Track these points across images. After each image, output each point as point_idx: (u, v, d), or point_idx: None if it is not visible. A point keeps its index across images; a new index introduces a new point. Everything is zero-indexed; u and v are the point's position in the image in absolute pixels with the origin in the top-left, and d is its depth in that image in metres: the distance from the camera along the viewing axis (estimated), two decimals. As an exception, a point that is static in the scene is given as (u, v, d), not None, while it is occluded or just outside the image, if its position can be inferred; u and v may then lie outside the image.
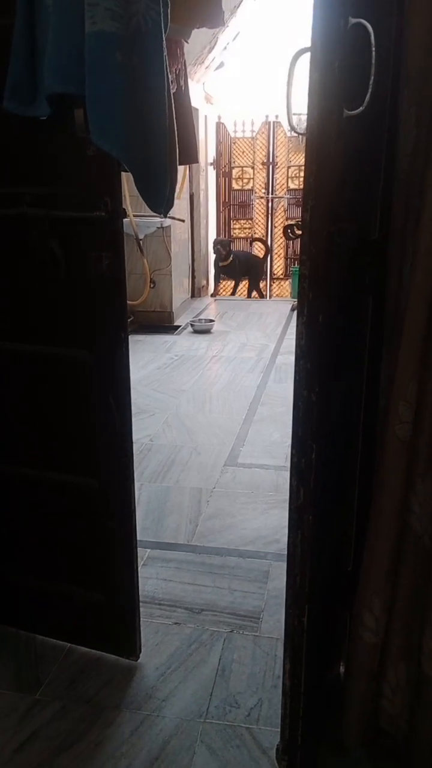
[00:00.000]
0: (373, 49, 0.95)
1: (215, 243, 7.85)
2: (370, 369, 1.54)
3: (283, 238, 8.24)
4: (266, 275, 8.56)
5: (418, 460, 1.35)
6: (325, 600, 1.53)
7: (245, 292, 8.28)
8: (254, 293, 8.30)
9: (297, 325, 1.03)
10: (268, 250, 8.43)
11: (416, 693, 1.41)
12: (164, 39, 1.45)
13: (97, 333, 1.67)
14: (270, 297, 8.34)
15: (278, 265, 8.38)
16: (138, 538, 2.12)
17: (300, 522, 1.14)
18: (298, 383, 1.07)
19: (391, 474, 1.32)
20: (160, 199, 1.49)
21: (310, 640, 1.23)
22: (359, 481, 1.65)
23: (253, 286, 8.18)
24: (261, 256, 8.48)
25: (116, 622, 1.92)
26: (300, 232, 0.99)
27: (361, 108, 0.98)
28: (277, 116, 8.06)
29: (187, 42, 2.52)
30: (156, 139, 1.45)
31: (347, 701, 1.49)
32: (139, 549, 2.29)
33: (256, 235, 8.40)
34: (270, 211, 8.31)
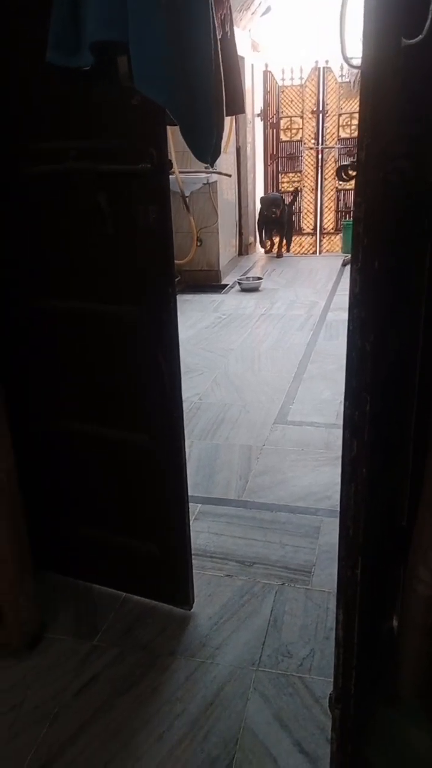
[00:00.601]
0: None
1: (266, 204, 7.18)
2: (427, 318, 1.49)
3: (334, 188, 7.92)
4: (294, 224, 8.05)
5: None
6: (378, 553, 1.52)
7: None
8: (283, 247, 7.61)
9: (351, 272, 1.00)
10: (295, 195, 7.84)
11: (472, 647, 1.40)
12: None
13: (145, 288, 1.66)
14: (320, 252, 8.15)
15: (329, 219, 8.15)
16: (189, 493, 2.16)
17: (354, 475, 1.12)
18: (351, 333, 1.04)
19: (448, 427, 1.29)
20: (206, 148, 1.46)
21: (363, 591, 1.23)
22: (415, 435, 1.62)
23: (288, 238, 7.59)
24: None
25: (169, 573, 1.97)
26: (354, 173, 0.95)
27: (420, 36, 0.92)
28: (327, 62, 7.72)
29: (232, -16, 2.42)
30: (202, 86, 1.42)
31: (401, 654, 1.49)
32: (190, 504, 2.33)
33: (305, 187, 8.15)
34: (320, 162, 8.05)
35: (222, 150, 5.86)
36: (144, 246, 1.63)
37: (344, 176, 1.06)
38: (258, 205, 7.53)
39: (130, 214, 1.62)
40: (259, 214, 7.21)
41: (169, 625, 1.96)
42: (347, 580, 1.20)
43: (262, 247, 7.49)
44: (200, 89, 1.40)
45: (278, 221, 7.17)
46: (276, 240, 7.52)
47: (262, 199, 7.34)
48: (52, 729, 1.64)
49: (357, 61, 0.95)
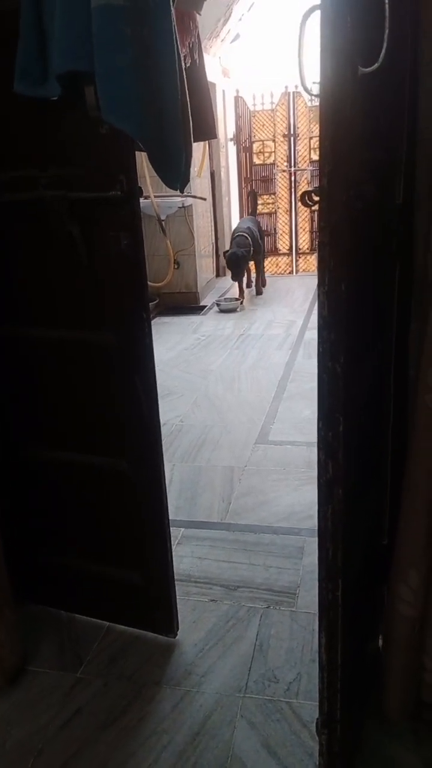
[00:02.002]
0: (386, 2, 0.91)
1: (235, 243, 6.17)
2: (399, 337, 1.51)
3: (310, 206, 7.97)
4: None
5: (450, 429, 1.32)
6: (361, 574, 1.52)
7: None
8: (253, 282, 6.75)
9: (318, 295, 1.01)
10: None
11: (456, 664, 1.40)
12: (173, 10, 1.41)
13: (119, 314, 1.66)
14: (296, 272, 8.23)
15: (304, 239, 8.24)
16: (172, 517, 2.14)
17: (330, 496, 1.12)
18: (322, 355, 1.05)
19: (423, 444, 1.30)
20: (175, 174, 1.46)
21: (346, 613, 1.22)
22: (393, 453, 1.63)
23: (260, 270, 6.71)
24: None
25: (153, 601, 1.94)
26: (318, 199, 0.96)
27: (376, 65, 0.94)
28: (296, 86, 7.85)
29: (199, 14, 2.46)
30: (169, 114, 1.43)
31: (387, 675, 1.48)
32: (173, 528, 2.31)
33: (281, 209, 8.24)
34: (293, 184, 8.16)
35: (196, 174, 5.93)
36: (117, 272, 1.63)
37: (309, 201, 1.07)
38: (234, 227, 7.60)
39: (103, 240, 1.62)
40: (228, 253, 6.27)
41: (154, 654, 1.92)
42: (328, 603, 1.19)
43: (234, 279, 6.45)
44: (167, 118, 1.41)
45: (246, 259, 6.26)
46: (247, 280, 6.79)
47: (232, 238, 6.47)
48: (36, 765, 1.59)
49: (317, 90, 0.97)
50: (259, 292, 6.73)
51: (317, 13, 0.93)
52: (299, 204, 7.96)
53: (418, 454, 1.30)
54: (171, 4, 1.39)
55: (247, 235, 6.28)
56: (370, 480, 1.54)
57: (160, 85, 1.39)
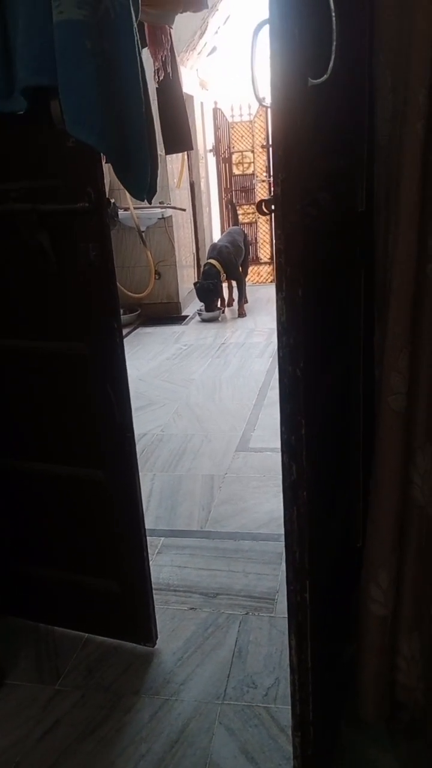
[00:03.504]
0: (333, 15, 0.94)
1: (204, 275, 5.92)
2: (366, 342, 1.53)
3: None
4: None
5: (416, 431, 1.35)
6: (334, 577, 1.53)
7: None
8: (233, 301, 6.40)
9: (276, 301, 1.03)
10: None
11: (430, 664, 1.41)
12: (135, 24, 1.44)
13: (90, 324, 1.67)
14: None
15: (284, 248, 8.35)
16: (152, 526, 2.15)
17: (294, 498, 1.14)
18: (282, 359, 1.06)
19: (388, 446, 1.32)
20: (140, 186, 1.48)
21: (315, 615, 1.23)
22: (363, 456, 1.65)
23: (241, 290, 6.30)
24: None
25: (131, 610, 1.94)
26: (273, 207, 0.98)
27: (325, 76, 0.97)
28: (264, 98, 7.95)
29: (171, 27, 2.49)
30: (133, 126, 1.45)
31: (361, 676, 1.49)
32: (153, 537, 2.31)
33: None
34: (270, 195, 8.26)
35: (176, 185, 5.94)
36: (87, 282, 1.64)
37: (265, 210, 1.09)
38: (215, 238, 7.64)
39: (72, 252, 1.63)
40: (197, 285, 6.05)
41: (133, 664, 1.92)
42: (297, 604, 1.20)
43: (209, 310, 6.05)
44: (131, 129, 1.43)
45: (215, 291, 5.98)
46: (228, 298, 6.52)
47: (203, 271, 6.09)
48: (13, 780, 1.58)
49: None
50: (241, 314, 6.22)
51: (267, 27, 0.95)
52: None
53: (382, 454, 1.32)
54: (134, 18, 1.42)
55: (215, 263, 5.92)
56: (340, 483, 1.56)
57: (123, 98, 1.41)
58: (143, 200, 1.52)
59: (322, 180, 1.12)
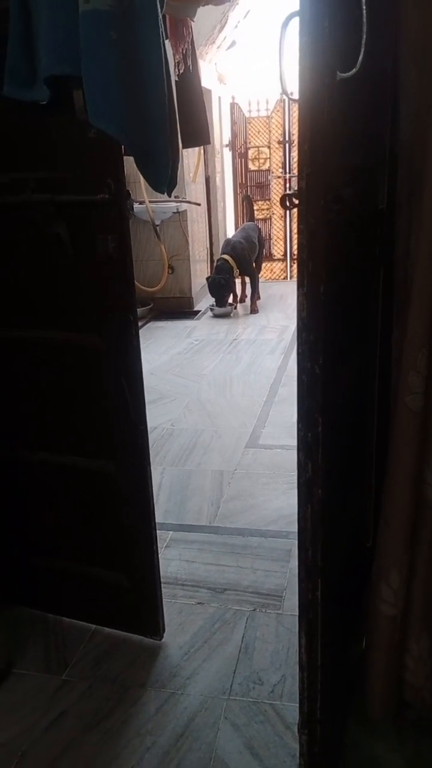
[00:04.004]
0: (364, 7, 0.93)
1: (217, 269, 5.95)
2: (384, 340, 1.52)
3: (289, 208, 7.90)
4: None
5: (431, 431, 1.34)
6: (344, 575, 1.53)
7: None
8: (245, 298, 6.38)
9: (297, 297, 1.02)
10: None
11: (438, 665, 1.41)
12: (160, 16, 1.43)
13: (106, 316, 1.67)
14: (291, 277, 8.27)
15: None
16: (161, 520, 2.15)
17: (309, 496, 1.13)
18: (301, 356, 1.06)
19: (403, 446, 1.31)
20: (161, 178, 1.48)
21: (326, 613, 1.23)
22: (377, 455, 1.64)
23: (255, 286, 6.29)
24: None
25: (139, 603, 1.94)
26: (297, 202, 0.98)
27: (354, 70, 0.96)
28: (292, 93, 7.90)
29: (192, 20, 2.48)
30: (155, 118, 1.44)
31: (369, 675, 1.49)
32: (161, 531, 2.32)
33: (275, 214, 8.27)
34: (288, 190, 8.22)
35: (191, 180, 5.93)
36: (105, 274, 1.64)
37: (288, 204, 1.08)
38: (229, 233, 7.63)
39: (90, 243, 1.63)
40: (210, 280, 6.05)
41: (140, 657, 1.93)
42: (308, 603, 1.20)
43: (219, 305, 6.07)
44: (154, 122, 1.43)
45: (227, 287, 5.98)
46: (240, 294, 6.49)
47: (216, 266, 6.10)
48: (20, 767, 1.59)
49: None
50: (253, 311, 6.19)
51: (296, 20, 0.95)
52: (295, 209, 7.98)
53: (397, 454, 1.31)
54: (159, 10, 1.41)
55: (228, 259, 5.92)
56: (352, 481, 1.55)
57: (146, 90, 1.41)
58: (163, 193, 1.51)
59: (347, 176, 1.11)
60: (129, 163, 1.56)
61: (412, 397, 1.27)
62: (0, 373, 1.86)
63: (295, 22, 0.96)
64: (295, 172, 7.09)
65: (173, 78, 1.60)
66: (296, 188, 1.00)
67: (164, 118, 1.45)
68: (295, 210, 1.14)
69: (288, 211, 7.89)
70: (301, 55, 0.91)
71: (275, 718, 1.68)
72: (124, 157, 1.58)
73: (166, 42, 1.48)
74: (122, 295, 1.64)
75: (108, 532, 1.91)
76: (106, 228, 1.59)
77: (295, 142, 7.24)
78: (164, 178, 1.48)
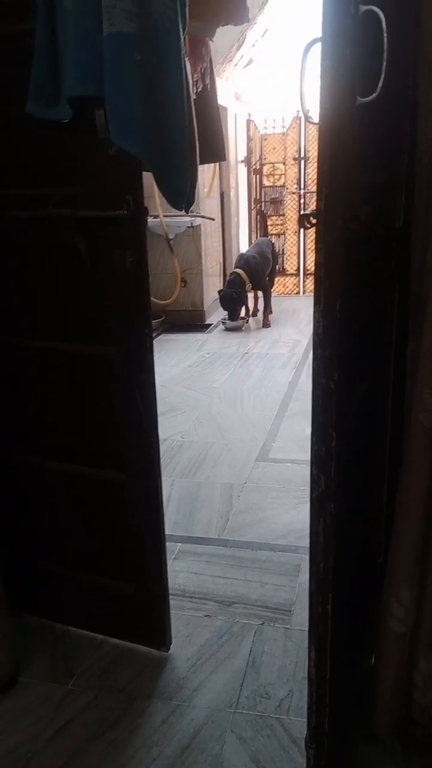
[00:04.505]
0: (385, 35, 0.96)
1: (229, 283, 6.05)
2: (398, 356, 1.54)
3: (307, 227, 7.84)
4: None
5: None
6: (354, 590, 1.53)
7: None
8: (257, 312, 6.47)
9: (314, 313, 1.04)
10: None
11: (446, 684, 1.41)
12: (182, 38, 1.47)
13: (122, 329, 1.70)
14: (304, 292, 8.30)
15: (311, 260, 8.33)
16: (169, 532, 2.16)
17: (321, 510, 1.15)
18: (316, 371, 1.08)
19: (417, 462, 1.32)
20: (180, 195, 1.51)
21: (336, 628, 1.24)
22: (389, 471, 1.65)
23: (267, 301, 6.36)
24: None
25: (147, 615, 1.95)
26: (315, 221, 1.00)
27: (374, 95, 0.99)
28: (308, 111, 7.99)
29: (211, 40, 2.54)
30: (175, 138, 1.48)
31: (377, 691, 1.49)
32: (170, 543, 2.33)
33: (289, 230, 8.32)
34: (302, 206, 8.27)
35: (206, 194, 6.00)
36: (121, 288, 1.67)
37: (306, 224, 1.11)
38: (243, 248, 7.68)
39: (108, 258, 1.66)
40: (221, 293, 6.14)
41: (146, 668, 1.93)
42: (318, 617, 1.21)
43: (231, 319, 6.15)
44: (174, 141, 1.46)
45: (238, 301, 6.04)
46: (253, 308, 6.56)
47: (228, 280, 6.17)
48: (25, 776, 1.60)
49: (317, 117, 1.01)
50: (265, 324, 6.23)
51: (318, 45, 0.98)
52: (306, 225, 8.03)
53: (410, 471, 1.32)
54: (181, 32, 1.45)
55: (241, 273, 5.97)
56: (364, 497, 1.56)
57: (167, 110, 1.44)
58: (181, 210, 1.54)
59: (365, 194, 1.14)
60: (144, 177, 1.60)
61: (425, 414, 1.28)
62: (16, 381, 1.90)
63: (317, 48, 0.99)
64: (310, 188, 7.14)
65: (192, 97, 1.64)
66: (314, 208, 1.02)
67: (184, 138, 1.49)
68: (313, 229, 1.17)
69: (304, 229, 7.95)
70: (322, 80, 0.94)
71: (282, 732, 1.68)
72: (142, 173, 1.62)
73: (186, 62, 1.52)
74: (138, 308, 1.67)
75: (117, 542, 1.92)
76: (124, 243, 1.62)
77: (311, 159, 7.30)
78: (183, 196, 1.51)
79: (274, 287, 7.11)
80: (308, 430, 3.69)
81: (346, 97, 0.97)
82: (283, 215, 8.46)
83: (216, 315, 6.55)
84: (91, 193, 1.64)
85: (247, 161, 8.20)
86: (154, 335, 5.94)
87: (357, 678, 1.62)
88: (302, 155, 8.13)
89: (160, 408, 1.80)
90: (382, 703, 1.46)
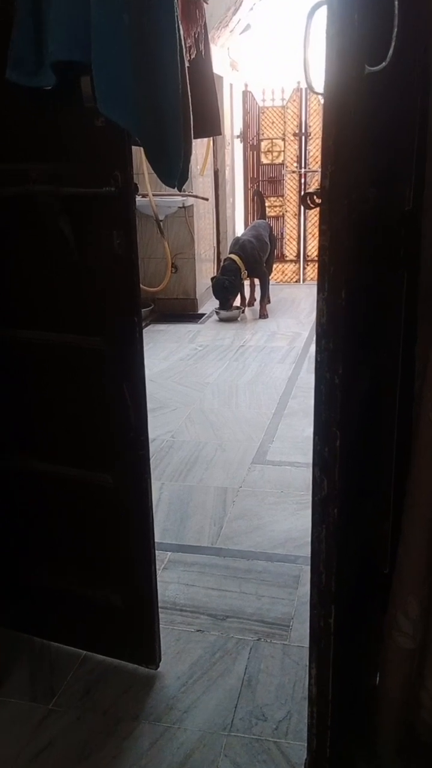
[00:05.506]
0: (396, -1, 0.96)
1: (223, 269, 6.08)
2: (406, 349, 1.55)
3: (310, 208, 7.90)
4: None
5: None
6: (358, 602, 1.54)
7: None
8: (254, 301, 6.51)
9: (317, 302, 1.05)
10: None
11: (457, 704, 1.42)
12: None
13: (109, 318, 1.70)
14: (304, 280, 8.31)
15: (313, 245, 8.34)
16: (158, 540, 2.16)
17: (324, 515, 1.15)
18: (319, 365, 1.08)
19: (426, 464, 1.33)
20: (172, 172, 1.51)
21: (338, 643, 1.25)
22: (395, 472, 1.66)
23: (264, 289, 6.36)
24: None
25: (134, 629, 1.96)
26: (319, 201, 1.00)
27: (383, 63, 0.99)
28: (312, 81, 7.97)
29: (206, 2, 2.53)
30: (168, 107, 1.48)
31: (382, 711, 1.50)
32: (159, 552, 2.33)
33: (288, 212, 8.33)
34: (303, 187, 8.27)
35: (199, 172, 5.99)
36: (108, 272, 1.67)
37: (310, 204, 1.11)
38: (238, 231, 7.68)
39: (94, 239, 1.66)
40: (214, 280, 6.17)
41: (133, 686, 1.94)
42: (320, 631, 1.22)
43: (223, 308, 6.16)
44: (167, 112, 1.46)
45: (232, 289, 6.04)
46: (249, 297, 6.60)
47: (222, 266, 6.22)
48: (0, 804, 1.60)
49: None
50: (262, 315, 6.23)
51: (324, 9, 0.98)
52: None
53: (419, 473, 1.33)
54: (174, -8, 1.45)
55: (236, 259, 5.98)
56: (368, 501, 1.57)
57: (159, 77, 1.44)
58: (174, 187, 1.54)
59: (372, 174, 1.14)
60: (133, 152, 1.60)
61: (436, 411, 1.29)
62: (-8, 375, 1.89)
63: (322, 12, 0.99)
64: (312, 167, 7.13)
65: (186, 64, 1.64)
66: (318, 186, 1.03)
67: (177, 107, 1.49)
68: (315, 210, 1.17)
69: (303, 210, 7.94)
70: (328, 47, 0.94)
71: (279, 757, 1.69)
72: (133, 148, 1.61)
73: (179, 25, 1.52)
74: (127, 295, 1.67)
75: (102, 549, 1.92)
76: (111, 224, 1.62)
77: (312, 135, 7.29)
78: (176, 172, 1.51)
79: (272, 274, 7.12)
80: (308, 430, 3.71)
81: (354, 66, 0.97)
82: (282, 196, 8.46)
83: (209, 304, 6.55)
84: (75, 169, 1.63)
85: (244, 136, 8.18)
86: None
87: (359, 696, 1.63)
88: (303, 131, 8.13)
89: (149, 405, 1.80)
90: (386, 723, 1.47)
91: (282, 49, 8.43)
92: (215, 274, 6.36)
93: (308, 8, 1.09)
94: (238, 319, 6.19)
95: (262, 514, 2.83)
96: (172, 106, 1.47)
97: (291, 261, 8.46)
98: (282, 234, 8.43)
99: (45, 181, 1.66)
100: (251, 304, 6.60)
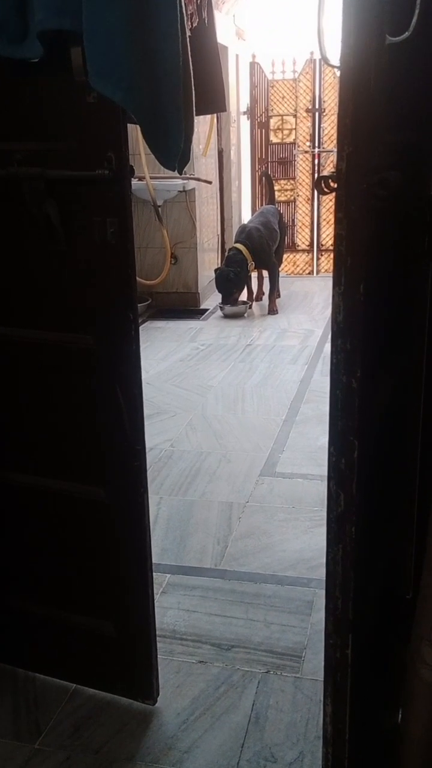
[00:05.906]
0: (421, -40, 0.96)
1: (227, 260, 6.12)
2: (430, 349, 1.55)
3: (334, 198, 7.93)
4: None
5: None
6: (378, 631, 1.54)
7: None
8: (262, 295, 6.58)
9: (333, 297, 1.05)
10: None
11: None
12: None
13: (101, 314, 1.70)
14: (317, 272, 8.32)
15: (327, 234, 8.35)
16: (157, 561, 2.16)
17: (340, 534, 1.15)
18: (335, 367, 1.08)
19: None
20: (172, 152, 1.51)
21: (356, 677, 1.24)
22: (420, 486, 1.66)
23: (274, 282, 6.42)
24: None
25: (129, 659, 1.96)
26: (335, 185, 1.00)
27: (406, 33, 0.99)
28: (327, 52, 7.99)
29: (209, -35, 2.54)
30: (167, 81, 1.48)
31: (405, 751, 1.50)
32: (157, 574, 2.33)
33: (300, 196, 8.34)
34: (317, 168, 8.29)
35: (201, 153, 6.03)
36: (101, 263, 1.68)
37: (325, 189, 1.11)
38: (245, 218, 7.69)
39: (85, 226, 1.67)
40: (217, 272, 6.19)
41: (128, 724, 1.94)
42: (336, 662, 1.22)
43: (226, 303, 6.20)
44: (165, 86, 1.46)
45: (236, 282, 6.07)
46: (257, 291, 6.69)
47: (227, 256, 6.27)
48: None
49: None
50: (271, 311, 6.27)
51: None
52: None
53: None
54: None
55: (242, 248, 6.02)
56: (389, 520, 1.57)
57: (157, 48, 1.45)
58: (173, 169, 1.55)
59: (394, 156, 1.14)
60: (129, 130, 1.60)
61: (465, 419, 1.29)
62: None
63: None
64: (327, 146, 7.15)
65: (187, 33, 1.64)
66: (334, 169, 1.03)
67: (178, 81, 1.49)
68: (330, 195, 1.17)
69: (317, 195, 7.95)
70: (345, 14, 0.94)
71: (290, 803, 1.69)
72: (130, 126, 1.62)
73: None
74: (121, 288, 1.67)
75: (94, 572, 1.93)
76: (104, 209, 1.63)
77: (326, 111, 7.30)
78: (176, 152, 1.51)
79: (282, 266, 7.13)
80: (323, 439, 3.73)
81: (374, 36, 0.97)
82: (294, 179, 8.47)
83: (213, 299, 6.56)
84: (64, 149, 1.64)
85: (251, 113, 8.20)
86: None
87: (380, 736, 1.62)
88: (317, 106, 8.13)
89: (146, 410, 1.81)
90: (409, 764, 1.47)
91: (293, 16, 8.43)
92: (219, 266, 6.38)
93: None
94: (245, 315, 6.20)
95: (271, 532, 2.83)
96: (172, 80, 1.47)
97: (303, 251, 8.45)
98: (293, 221, 8.43)
99: (31, 163, 1.66)
100: (259, 298, 6.62)
